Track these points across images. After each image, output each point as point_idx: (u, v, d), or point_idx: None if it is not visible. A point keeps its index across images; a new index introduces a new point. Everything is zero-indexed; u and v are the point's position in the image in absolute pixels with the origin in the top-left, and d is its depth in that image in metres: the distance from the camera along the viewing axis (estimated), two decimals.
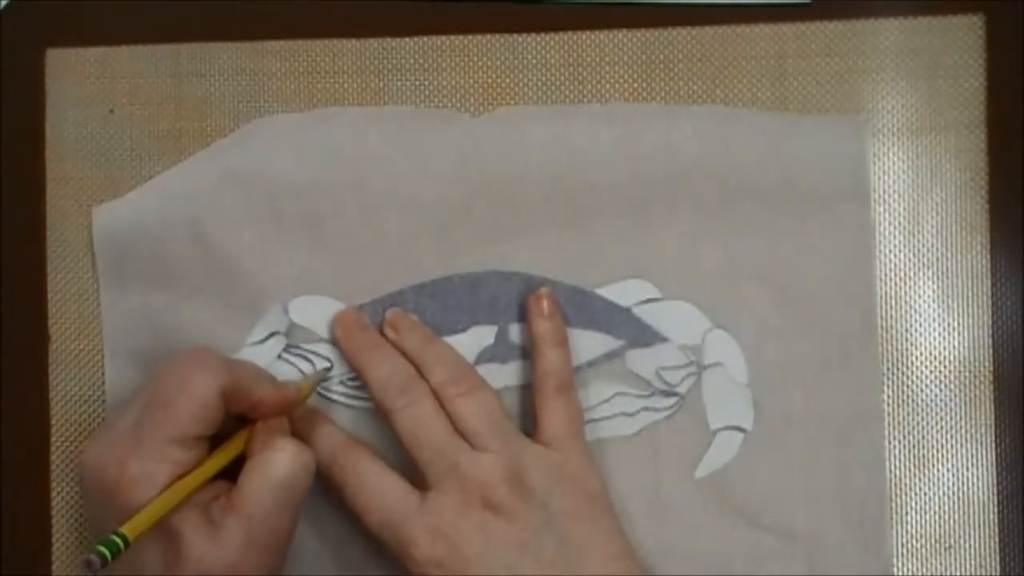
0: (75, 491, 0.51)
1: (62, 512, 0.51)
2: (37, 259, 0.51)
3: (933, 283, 0.49)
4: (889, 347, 0.49)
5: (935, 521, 0.49)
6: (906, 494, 0.49)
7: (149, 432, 0.42)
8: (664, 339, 0.50)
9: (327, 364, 0.50)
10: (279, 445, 0.44)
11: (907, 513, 0.49)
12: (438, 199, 0.49)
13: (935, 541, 0.49)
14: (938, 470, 0.49)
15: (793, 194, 0.49)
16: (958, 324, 0.49)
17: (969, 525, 0.49)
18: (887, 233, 0.49)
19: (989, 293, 0.49)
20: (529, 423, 0.48)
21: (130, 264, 0.50)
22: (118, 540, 0.39)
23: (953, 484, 0.49)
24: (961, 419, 0.49)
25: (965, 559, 0.49)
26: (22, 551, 0.51)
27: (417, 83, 0.50)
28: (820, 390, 0.49)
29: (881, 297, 0.49)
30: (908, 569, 0.49)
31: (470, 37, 0.50)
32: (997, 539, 0.49)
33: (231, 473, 0.44)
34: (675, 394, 0.49)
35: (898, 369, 0.49)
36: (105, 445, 0.43)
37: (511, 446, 0.46)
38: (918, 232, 0.49)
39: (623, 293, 0.50)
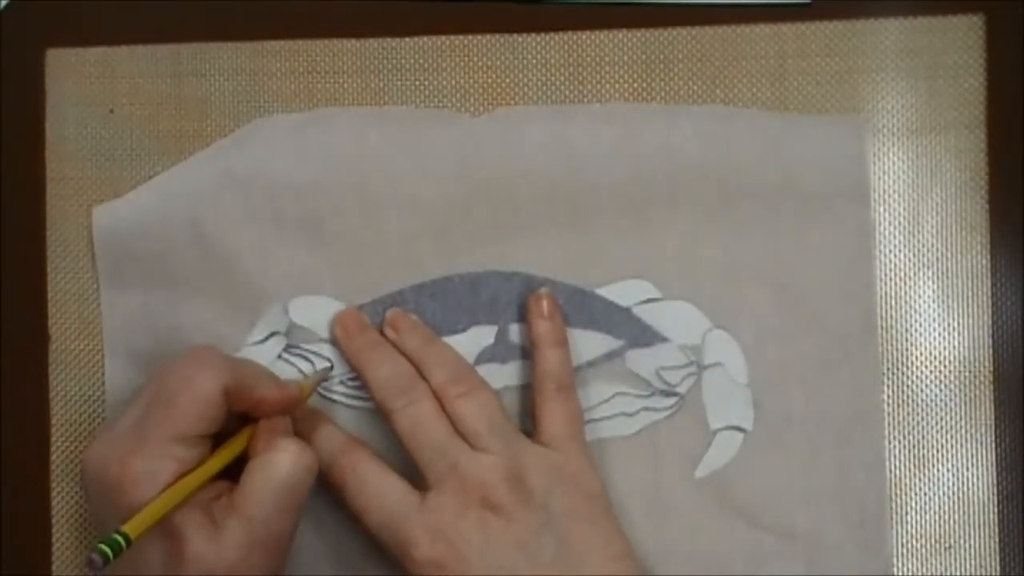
0: (75, 491, 0.51)
1: (62, 512, 0.51)
2: (37, 259, 0.51)
3: (933, 283, 0.49)
4: (889, 347, 0.49)
5: (935, 521, 0.49)
6: (906, 494, 0.49)
7: (152, 430, 0.43)
8: (664, 339, 0.50)
9: (328, 364, 0.50)
10: (282, 446, 0.44)
11: (907, 513, 0.49)
12: (438, 199, 0.49)
13: (935, 541, 0.49)
14: (938, 470, 0.49)
15: (793, 194, 0.49)
16: (958, 324, 0.49)
17: (969, 525, 0.49)
18: (887, 233, 0.49)
19: (989, 293, 0.49)
20: (529, 423, 0.48)
21: (130, 264, 0.50)
22: (120, 539, 0.39)
23: (953, 484, 0.49)
24: (961, 419, 0.49)
25: (965, 559, 0.49)
26: (22, 551, 0.51)
27: (417, 83, 0.50)
28: (820, 390, 0.49)
29: (881, 297, 0.49)
30: (908, 569, 0.49)
31: (470, 37, 0.50)
32: (997, 539, 0.49)
33: (233, 472, 0.44)
34: (675, 394, 0.49)
35: (898, 369, 0.49)
36: (107, 444, 0.43)
37: (511, 446, 0.46)
38: (918, 232, 0.49)
39: (623, 293, 0.50)
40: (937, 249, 0.49)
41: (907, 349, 0.49)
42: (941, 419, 0.49)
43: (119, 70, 0.51)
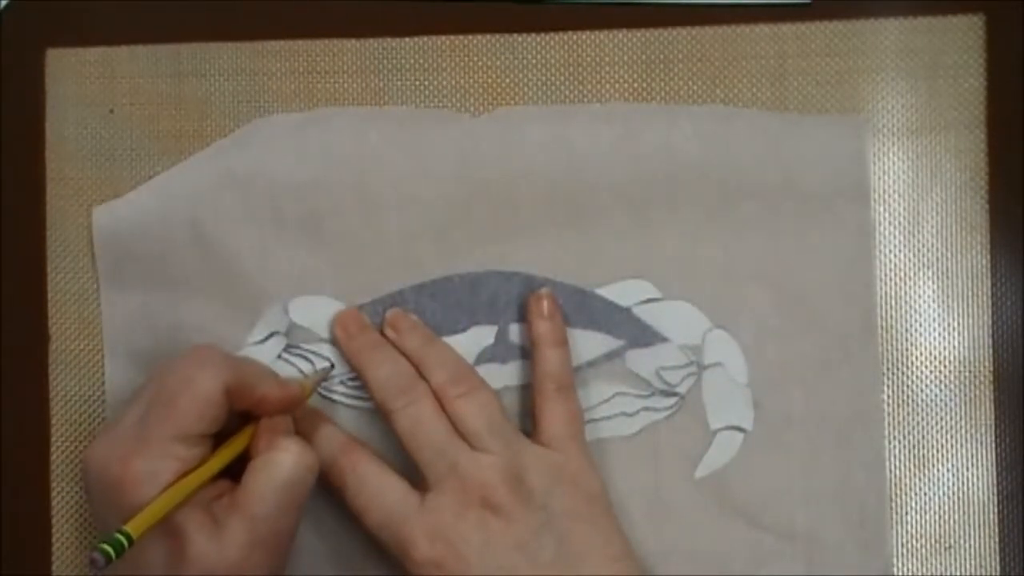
0: (75, 491, 0.51)
1: (62, 512, 0.51)
2: (37, 259, 0.51)
3: (933, 283, 0.49)
4: (889, 347, 0.49)
5: (935, 521, 0.49)
6: (906, 494, 0.49)
7: (153, 430, 0.43)
8: (664, 339, 0.50)
9: (328, 363, 0.50)
10: (283, 446, 0.44)
11: (907, 513, 0.49)
12: (438, 199, 0.49)
13: (935, 541, 0.49)
14: (938, 470, 0.49)
15: (793, 194, 0.49)
16: (958, 324, 0.49)
17: (969, 525, 0.49)
18: (887, 233, 0.49)
19: (989, 293, 0.49)
20: (529, 423, 0.48)
21: (130, 264, 0.50)
22: (122, 538, 0.39)
23: (953, 484, 0.49)
24: (961, 419, 0.49)
25: (965, 559, 0.49)
26: (22, 551, 0.51)
27: (417, 83, 0.50)
28: (820, 390, 0.49)
29: (881, 297, 0.49)
30: (908, 569, 0.49)
31: (470, 37, 0.50)
32: (997, 539, 0.49)
33: (234, 471, 0.44)
34: (675, 394, 0.49)
35: (898, 369, 0.49)
36: (109, 443, 0.43)
37: (511, 447, 0.46)
38: (918, 232, 0.49)
39: (623, 293, 0.50)
40: (937, 249, 0.49)
41: (907, 349, 0.49)
42: (941, 419, 0.49)
43: (119, 70, 0.51)
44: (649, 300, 0.50)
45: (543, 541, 0.45)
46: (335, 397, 0.50)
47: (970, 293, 0.49)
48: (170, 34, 0.51)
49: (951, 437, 0.49)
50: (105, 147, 0.51)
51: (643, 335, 0.50)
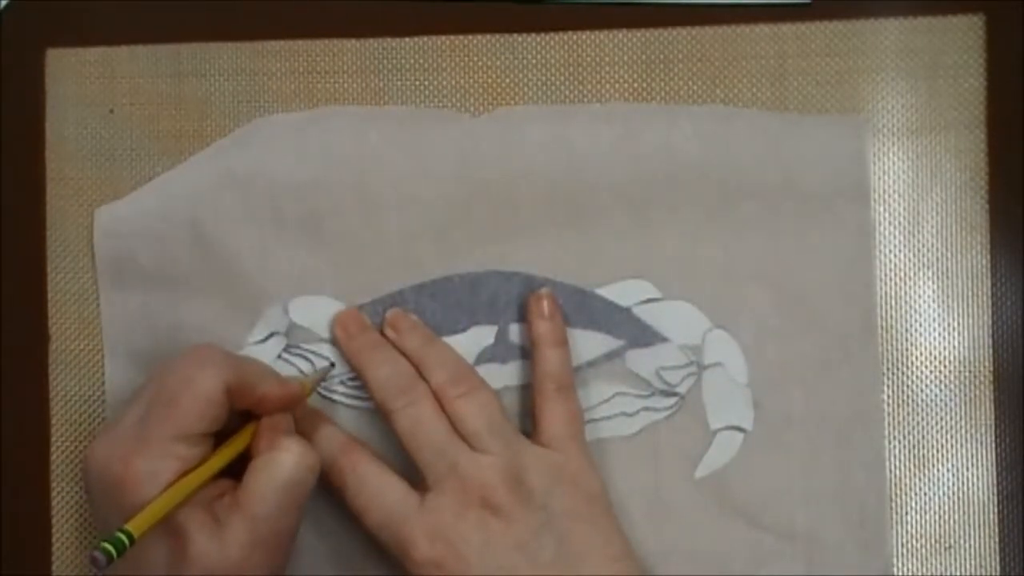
0: (75, 491, 0.51)
1: (62, 512, 0.51)
2: (37, 259, 0.51)
3: (933, 283, 0.49)
4: (889, 347, 0.49)
5: (935, 521, 0.49)
6: (906, 494, 0.49)
7: (154, 429, 0.43)
8: (664, 339, 0.50)
9: (328, 362, 0.50)
10: (285, 445, 0.44)
11: (907, 513, 0.49)
12: (438, 199, 0.49)
13: (935, 541, 0.49)
14: (938, 470, 0.49)
15: (793, 194, 0.49)
16: (958, 324, 0.49)
17: (969, 525, 0.49)
18: (887, 233, 0.49)
19: (989, 293, 0.49)
20: (529, 423, 0.48)
21: (130, 264, 0.50)
22: (123, 537, 0.39)
23: (953, 484, 0.49)
24: (961, 419, 0.49)
25: (965, 559, 0.49)
26: (22, 551, 0.51)
27: (417, 83, 0.50)
28: (820, 390, 0.49)
29: (881, 297, 0.49)
30: (908, 569, 0.49)
31: (470, 37, 0.50)
32: (997, 539, 0.49)
33: (235, 470, 0.44)
34: (675, 394, 0.49)
35: (898, 369, 0.49)
36: (110, 443, 0.43)
37: (511, 447, 0.46)
38: (918, 232, 0.49)
39: (623, 293, 0.50)
40: (937, 249, 0.49)
41: (907, 349, 0.49)
42: (941, 419, 0.49)
43: (119, 70, 0.51)
44: (649, 300, 0.50)
45: (543, 541, 0.45)
46: (335, 397, 0.50)
47: (970, 293, 0.49)
48: (170, 34, 0.51)
49: (951, 437, 0.49)
50: (105, 147, 0.51)
51: (643, 335, 0.50)
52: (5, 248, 0.51)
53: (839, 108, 0.50)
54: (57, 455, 0.51)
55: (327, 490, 0.47)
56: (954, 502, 0.49)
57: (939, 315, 0.49)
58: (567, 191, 0.49)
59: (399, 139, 0.50)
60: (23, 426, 0.51)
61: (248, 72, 0.51)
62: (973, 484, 0.49)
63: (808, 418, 0.49)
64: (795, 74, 0.50)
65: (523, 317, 0.49)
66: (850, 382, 0.49)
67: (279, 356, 0.50)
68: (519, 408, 0.49)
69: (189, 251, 0.50)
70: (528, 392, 0.49)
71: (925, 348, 0.49)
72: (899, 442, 0.49)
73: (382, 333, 0.49)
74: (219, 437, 0.45)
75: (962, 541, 0.49)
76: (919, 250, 0.49)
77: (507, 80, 0.50)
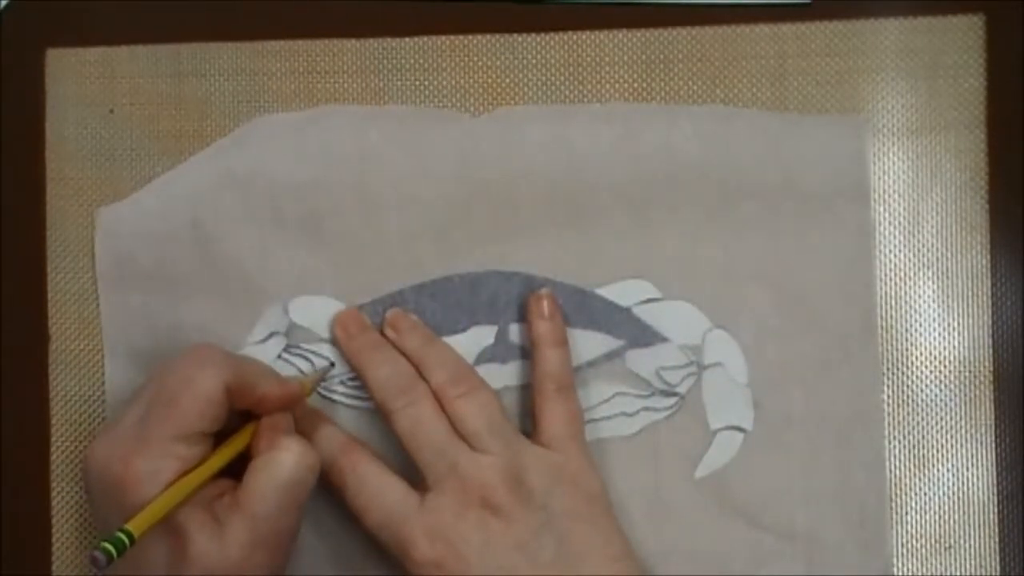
0: (75, 491, 0.51)
1: (62, 512, 0.51)
2: (37, 259, 0.51)
3: (933, 283, 0.49)
4: (889, 347, 0.49)
5: (935, 521, 0.49)
6: (906, 494, 0.49)
7: (154, 429, 0.43)
8: (664, 339, 0.50)
9: (328, 362, 0.50)
10: (285, 445, 0.44)
11: (907, 513, 0.49)
12: (438, 199, 0.49)
13: (935, 541, 0.49)
14: (938, 470, 0.49)
15: (793, 194, 0.49)
16: (958, 324, 0.49)
17: (969, 525, 0.49)
18: (887, 233, 0.49)
19: (989, 293, 0.49)
20: (529, 423, 0.48)
21: (130, 264, 0.50)
22: (123, 537, 0.39)
23: (953, 484, 0.49)
24: (961, 419, 0.49)
25: (965, 559, 0.49)
26: (22, 551, 0.51)
27: (417, 83, 0.50)
28: (820, 390, 0.49)
29: (881, 297, 0.49)
30: (908, 569, 0.49)
31: (470, 37, 0.50)
32: (997, 539, 0.49)
33: (235, 469, 0.44)
34: (675, 394, 0.49)
35: (898, 369, 0.49)
36: (110, 443, 0.43)
37: (511, 447, 0.46)
38: (918, 232, 0.49)
39: (623, 293, 0.50)
40: (937, 249, 0.49)
41: (907, 349, 0.49)
42: (941, 419, 0.49)
43: (119, 70, 0.51)
44: (649, 300, 0.50)
45: (543, 541, 0.45)
46: (335, 397, 0.50)
47: (970, 293, 0.49)
48: (170, 34, 0.51)
49: (951, 437, 0.49)
50: (105, 147, 0.51)
51: (643, 335, 0.50)
52: (5, 248, 0.51)
53: (839, 108, 0.50)
54: (57, 455, 0.51)
55: (327, 490, 0.47)
56: (954, 502, 0.49)
57: (939, 315, 0.49)
58: (567, 191, 0.49)
59: (399, 139, 0.50)
60: (23, 426, 0.51)
61: (248, 72, 0.51)
62: (973, 484, 0.49)
63: (808, 418, 0.49)
64: (795, 74, 0.50)
65: (523, 317, 0.49)
66: (850, 382, 0.49)
67: (279, 356, 0.50)
68: (519, 408, 0.49)
69: (189, 251, 0.50)
70: (528, 392, 0.49)
71: (925, 348, 0.49)
72: (899, 442, 0.49)
73: (382, 333, 0.49)
74: (219, 437, 0.45)
75: (962, 541, 0.49)
76: (919, 250, 0.49)
77: (507, 80, 0.50)
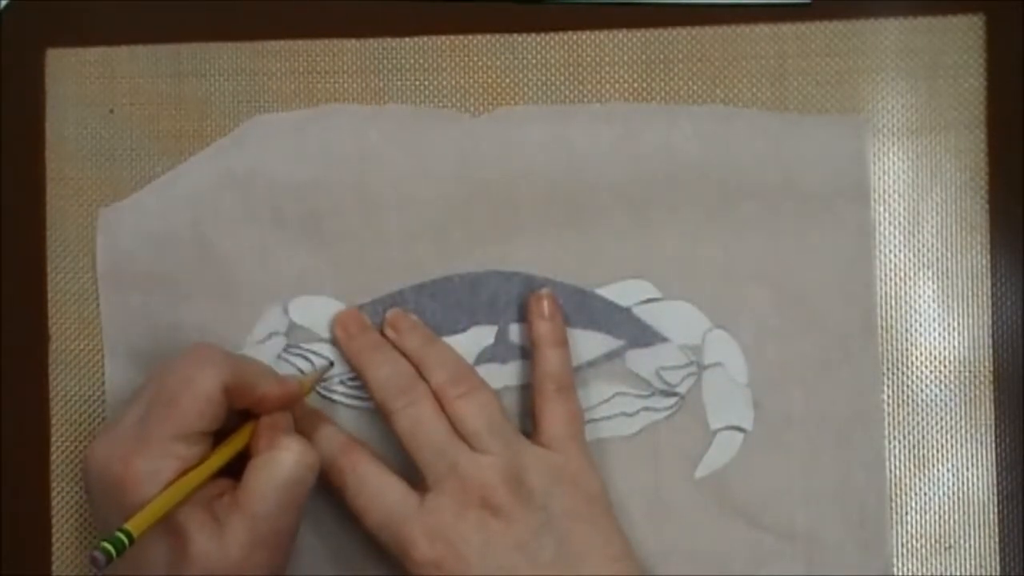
0: (75, 491, 0.51)
1: (62, 512, 0.51)
2: (37, 259, 0.51)
3: (933, 283, 0.49)
4: (889, 347, 0.49)
5: (935, 521, 0.49)
6: (906, 494, 0.49)
7: (154, 429, 0.43)
8: (664, 339, 0.50)
9: (327, 361, 0.50)
10: (284, 444, 0.44)
11: (907, 513, 0.49)
12: (438, 199, 0.49)
13: (935, 541, 0.49)
14: (938, 470, 0.49)
15: (793, 194, 0.49)
16: (958, 324, 0.49)
17: (969, 525, 0.49)
18: (887, 233, 0.49)
19: (989, 293, 0.49)
20: (529, 423, 0.48)
21: (131, 264, 0.50)
22: (123, 537, 0.39)
23: (953, 484, 0.49)
24: (961, 419, 0.49)
25: (965, 559, 0.49)
26: (22, 551, 0.51)
27: (417, 83, 0.50)
28: (820, 390, 0.49)
29: (881, 297, 0.49)
30: (908, 569, 0.49)
31: (470, 37, 0.50)
32: (997, 539, 0.49)
33: (234, 469, 0.44)
34: (675, 394, 0.49)
35: (898, 369, 0.49)
36: (109, 443, 0.43)
37: (510, 447, 0.46)
38: (918, 232, 0.49)
39: (623, 293, 0.50)
40: (937, 249, 0.49)
41: (907, 349, 0.49)
42: (941, 419, 0.49)
43: (119, 70, 0.51)
44: (649, 300, 0.50)
45: (543, 541, 0.45)
46: (335, 397, 0.50)
47: (970, 293, 0.49)
48: (170, 34, 0.51)
49: (951, 437, 0.49)
50: (105, 147, 0.51)
51: (643, 335, 0.50)
52: (5, 248, 0.51)
53: (839, 108, 0.50)
54: (57, 455, 0.51)
55: (327, 490, 0.47)
56: (954, 502, 0.49)
57: (939, 315, 0.49)
58: (567, 191, 0.49)
59: (399, 139, 0.50)
60: (23, 426, 0.51)
61: (248, 72, 0.51)
62: (973, 484, 0.49)
63: (808, 418, 0.49)
64: (795, 74, 0.50)
65: (523, 317, 0.49)
66: (850, 382, 0.49)
67: (279, 356, 0.50)
68: (519, 408, 0.49)
69: (189, 251, 0.50)
70: (528, 392, 0.49)
71: (925, 348, 0.49)
72: (899, 442, 0.49)
73: (382, 333, 0.49)
74: (218, 436, 0.45)
75: (962, 541, 0.49)
76: (919, 250, 0.49)
77: (507, 80, 0.50)
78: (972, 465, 0.49)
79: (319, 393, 0.49)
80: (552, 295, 0.49)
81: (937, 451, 0.49)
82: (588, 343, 0.49)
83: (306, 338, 0.50)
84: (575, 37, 0.50)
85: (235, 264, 0.50)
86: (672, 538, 0.49)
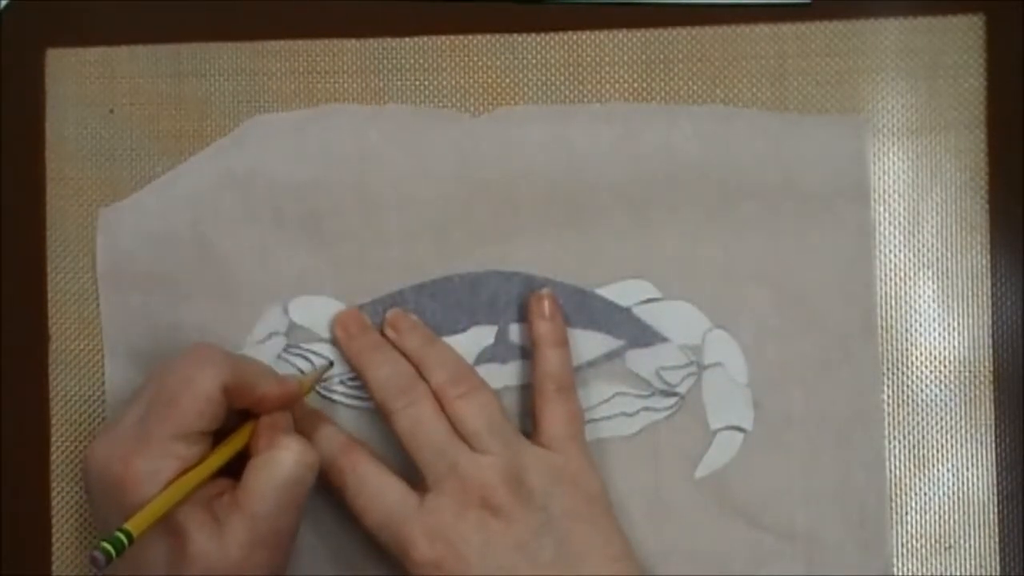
0: (75, 491, 0.51)
1: (62, 512, 0.51)
2: (37, 259, 0.51)
3: (933, 283, 0.49)
4: (889, 347, 0.49)
5: (935, 521, 0.49)
6: (906, 494, 0.49)
7: (154, 429, 0.43)
8: (664, 339, 0.50)
9: (327, 361, 0.50)
10: (284, 444, 0.44)
11: (907, 513, 0.49)
12: (438, 199, 0.49)
13: (935, 541, 0.49)
14: (938, 470, 0.49)
15: (793, 194, 0.49)
16: (958, 324, 0.49)
17: (969, 525, 0.49)
18: (887, 233, 0.49)
19: (989, 293, 0.49)
20: (529, 423, 0.48)
21: (131, 264, 0.50)
22: (122, 537, 0.39)
23: (953, 484, 0.49)
24: (961, 419, 0.49)
25: (965, 559, 0.49)
26: (22, 551, 0.51)
27: (417, 83, 0.50)
28: (820, 390, 0.49)
29: (881, 297, 0.49)
30: (908, 569, 0.49)
31: (470, 37, 0.50)
32: (997, 539, 0.49)
33: (234, 468, 0.44)
34: (675, 394, 0.49)
35: (898, 369, 0.49)
36: (109, 443, 0.43)
37: (510, 447, 0.46)
38: (918, 232, 0.49)
39: (623, 293, 0.50)
40: (937, 249, 0.49)
41: (907, 349, 0.49)
42: (941, 419, 0.49)
43: (119, 70, 0.51)
44: (649, 300, 0.50)
45: (543, 541, 0.45)
46: (335, 397, 0.50)
47: (970, 293, 0.49)
48: (170, 34, 0.51)
49: (951, 437, 0.49)
50: (105, 147, 0.51)
51: (643, 335, 0.50)
52: (5, 248, 0.51)
53: (839, 108, 0.50)
54: (57, 455, 0.51)
55: (327, 490, 0.47)
56: (954, 502, 0.49)
57: (939, 315, 0.49)
58: (567, 191, 0.49)
59: (399, 139, 0.50)
60: (23, 426, 0.51)
61: (248, 72, 0.51)
62: (973, 484, 0.49)
63: (808, 418, 0.49)
64: (795, 74, 0.50)
65: (523, 317, 0.49)
66: (850, 382, 0.49)
67: (279, 356, 0.50)
68: (519, 408, 0.49)
69: (189, 251, 0.50)
70: (528, 392, 0.49)
71: (925, 348, 0.49)
72: (899, 442, 0.49)
73: (382, 333, 0.49)
74: (218, 436, 0.45)
75: (962, 541, 0.49)
76: (919, 250, 0.49)
77: (507, 80, 0.50)
78: (972, 465, 0.49)
79: (319, 393, 0.50)
80: (552, 295, 0.49)
81: (937, 451, 0.49)
82: (588, 343, 0.49)
83: (306, 338, 0.50)
84: (575, 37, 0.50)
85: (235, 264, 0.50)
86: (672, 538, 0.49)
